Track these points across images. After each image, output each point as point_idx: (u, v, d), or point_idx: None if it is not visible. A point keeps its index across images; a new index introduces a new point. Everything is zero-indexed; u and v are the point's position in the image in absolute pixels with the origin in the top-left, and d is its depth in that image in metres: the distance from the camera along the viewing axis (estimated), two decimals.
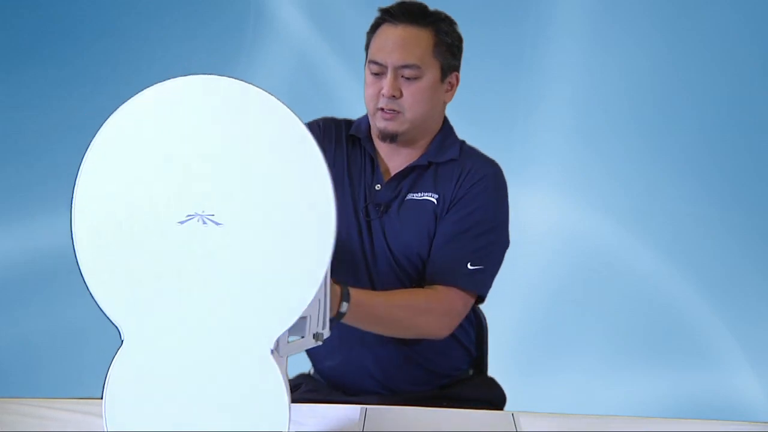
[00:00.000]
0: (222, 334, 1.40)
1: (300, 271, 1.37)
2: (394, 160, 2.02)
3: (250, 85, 1.40)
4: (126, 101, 1.43)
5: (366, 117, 2.06)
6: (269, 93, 1.41)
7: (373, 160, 2.02)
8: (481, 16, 3.42)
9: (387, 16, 1.97)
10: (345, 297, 1.72)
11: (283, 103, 1.40)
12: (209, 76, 1.40)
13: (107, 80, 3.48)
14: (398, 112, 1.94)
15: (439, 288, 1.92)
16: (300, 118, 1.40)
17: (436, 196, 1.97)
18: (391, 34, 1.95)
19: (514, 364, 3.30)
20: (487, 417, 1.85)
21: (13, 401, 1.81)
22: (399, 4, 1.99)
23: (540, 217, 3.49)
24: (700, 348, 3.47)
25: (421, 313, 1.90)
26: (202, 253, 1.38)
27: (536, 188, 3.50)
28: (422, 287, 1.95)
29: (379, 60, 1.94)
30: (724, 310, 3.48)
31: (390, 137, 1.97)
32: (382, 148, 2.03)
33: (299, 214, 1.37)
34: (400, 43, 1.93)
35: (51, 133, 3.54)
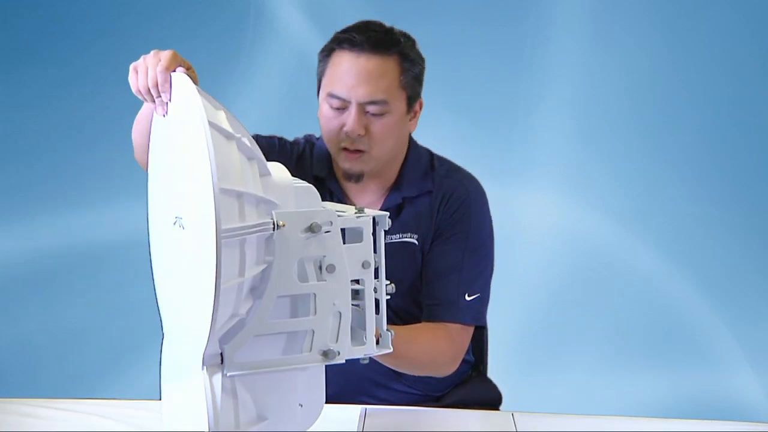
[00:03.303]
0: (179, 340, 1.39)
1: (201, 289, 1.23)
2: (362, 197, 1.90)
3: (184, 81, 1.33)
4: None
5: (323, 154, 1.91)
6: (195, 91, 1.30)
7: (340, 201, 1.89)
8: (481, 16, 3.42)
9: (347, 44, 1.78)
10: None
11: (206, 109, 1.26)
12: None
13: (107, 80, 3.47)
14: (363, 152, 1.80)
15: (448, 327, 1.85)
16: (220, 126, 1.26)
17: (416, 236, 1.88)
18: (354, 65, 1.77)
19: (514, 364, 3.30)
20: (487, 417, 1.85)
21: (13, 401, 1.81)
22: (359, 29, 1.81)
23: (540, 217, 3.49)
24: (700, 348, 3.47)
25: (437, 357, 1.83)
26: (177, 257, 1.36)
27: (536, 188, 3.49)
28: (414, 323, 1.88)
29: (340, 95, 1.77)
30: (724, 310, 3.47)
31: (356, 177, 1.84)
32: (347, 186, 1.90)
33: (200, 232, 1.24)
34: (365, 76, 1.76)
35: (51, 133, 3.53)
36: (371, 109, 1.78)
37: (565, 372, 3.46)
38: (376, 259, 1.39)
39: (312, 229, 1.30)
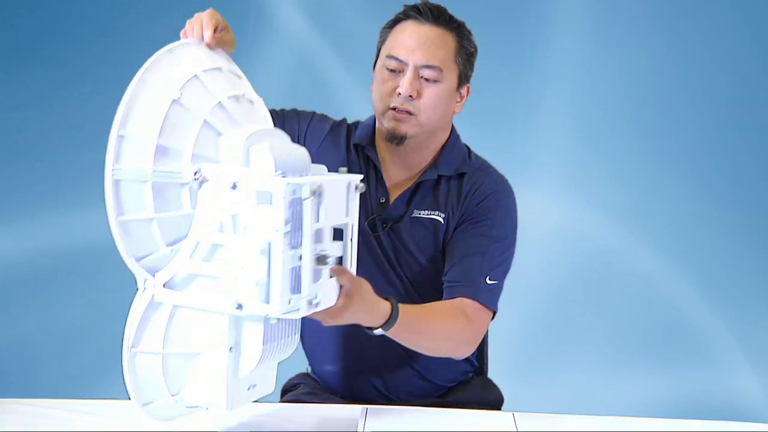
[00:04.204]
0: None
1: None
2: (399, 170, 1.95)
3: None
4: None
5: (368, 124, 1.98)
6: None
7: (377, 169, 1.95)
8: (481, 16, 3.40)
9: (413, 12, 1.90)
10: (394, 316, 1.63)
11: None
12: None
13: (107, 80, 3.46)
14: (412, 114, 1.86)
15: (466, 305, 1.84)
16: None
17: (443, 215, 1.92)
18: (416, 31, 1.88)
19: (514, 365, 3.30)
20: (488, 417, 1.85)
21: (13, 401, 1.81)
22: (425, 3, 1.91)
23: (540, 217, 3.49)
24: (700, 348, 3.48)
25: (454, 334, 1.83)
26: None
27: (536, 188, 3.50)
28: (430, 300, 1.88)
29: (399, 56, 1.86)
30: (724, 310, 3.48)
31: (398, 139, 1.88)
32: (386, 157, 1.95)
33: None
34: (424, 41, 1.86)
35: (51, 133, 3.54)
36: (426, 73, 1.86)
37: (565, 372, 3.46)
38: (290, 224, 1.38)
39: (225, 185, 1.40)
